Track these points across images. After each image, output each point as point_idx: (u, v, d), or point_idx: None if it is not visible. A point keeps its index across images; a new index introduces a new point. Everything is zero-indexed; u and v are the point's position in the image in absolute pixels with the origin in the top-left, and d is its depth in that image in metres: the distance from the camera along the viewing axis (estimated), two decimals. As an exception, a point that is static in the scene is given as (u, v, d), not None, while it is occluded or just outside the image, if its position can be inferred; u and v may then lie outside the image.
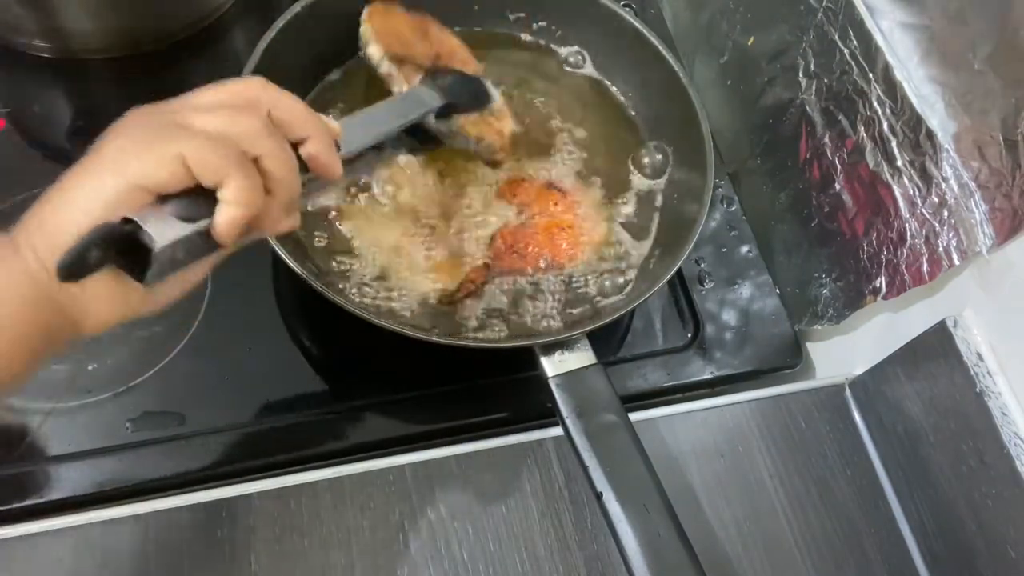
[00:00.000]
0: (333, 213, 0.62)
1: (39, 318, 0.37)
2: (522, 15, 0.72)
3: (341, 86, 0.67)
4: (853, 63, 0.60)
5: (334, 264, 0.60)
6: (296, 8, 0.63)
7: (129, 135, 0.37)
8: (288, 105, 0.40)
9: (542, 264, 0.63)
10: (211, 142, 0.36)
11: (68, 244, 0.34)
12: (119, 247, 0.35)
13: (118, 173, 0.35)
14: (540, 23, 0.73)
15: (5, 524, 0.52)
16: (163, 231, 0.35)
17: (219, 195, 0.36)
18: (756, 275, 0.71)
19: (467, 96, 0.60)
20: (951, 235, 0.54)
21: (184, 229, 0.36)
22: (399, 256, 0.61)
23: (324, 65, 0.67)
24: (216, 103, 0.38)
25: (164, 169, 0.35)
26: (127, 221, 0.34)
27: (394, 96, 0.57)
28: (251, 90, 0.40)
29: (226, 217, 0.36)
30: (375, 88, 0.67)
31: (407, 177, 0.63)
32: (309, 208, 0.60)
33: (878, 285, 0.60)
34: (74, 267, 0.33)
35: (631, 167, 0.69)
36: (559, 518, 0.57)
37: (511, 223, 0.64)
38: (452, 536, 0.55)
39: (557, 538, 0.56)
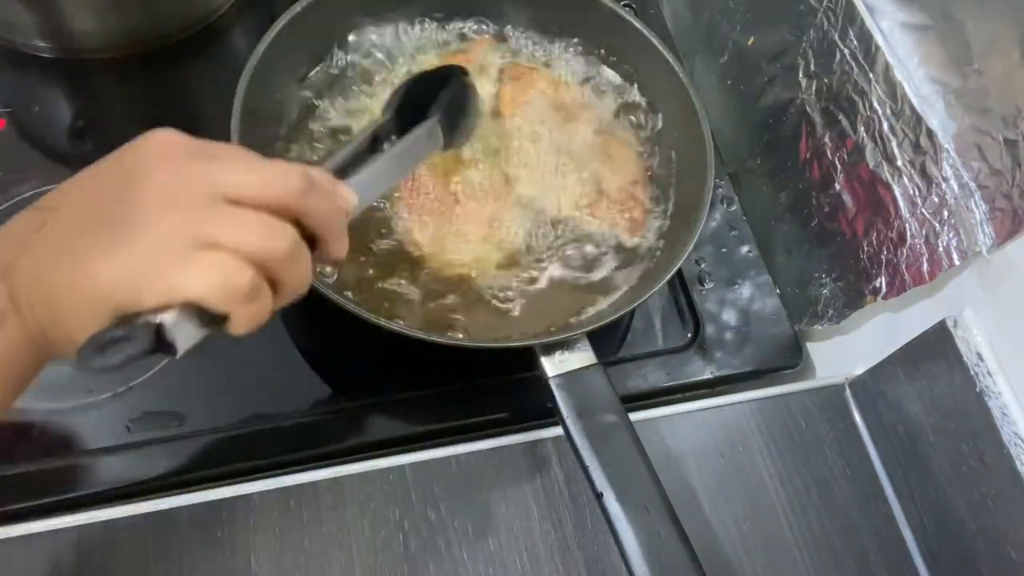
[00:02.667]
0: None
1: (30, 374, 0.38)
2: (524, 20, 0.72)
3: (340, 82, 0.67)
4: (853, 63, 0.60)
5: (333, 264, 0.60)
6: (296, 8, 0.63)
7: (153, 216, 0.35)
8: (320, 212, 0.39)
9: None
10: (236, 271, 0.35)
11: (81, 328, 0.34)
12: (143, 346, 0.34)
13: (140, 275, 0.34)
14: (539, 23, 0.73)
15: (5, 524, 0.52)
16: (185, 338, 0.35)
17: (230, 319, 0.36)
18: (756, 275, 0.71)
19: (462, 113, 0.59)
20: (951, 235, 0.54)
21: (202, 333, 0.36)
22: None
23: (325, 63, 0.67)
24: (252, 198, 0.36)
25: (182, 292, 0.34)
26: (156, 324, 0.34)
27: (400, 143, 0.53)
28: (290, 190, 0.37)
29: (239, 331, 0.37)
30: (379, 81, 0.67)
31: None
32: None
33: (878, 285, 0.60)
34: (95, 359, 0.33)
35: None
36: (559, 518, 0.57)
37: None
38: (452, 536, 0.55)
39: (557, 538, 0.56)
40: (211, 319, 0.36)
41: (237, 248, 0.35)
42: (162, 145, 0.37)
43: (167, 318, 0.34)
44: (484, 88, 0.67)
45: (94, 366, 0.33)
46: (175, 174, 0.36)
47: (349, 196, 0.42)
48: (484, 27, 0.72)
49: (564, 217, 0.64)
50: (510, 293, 0.61)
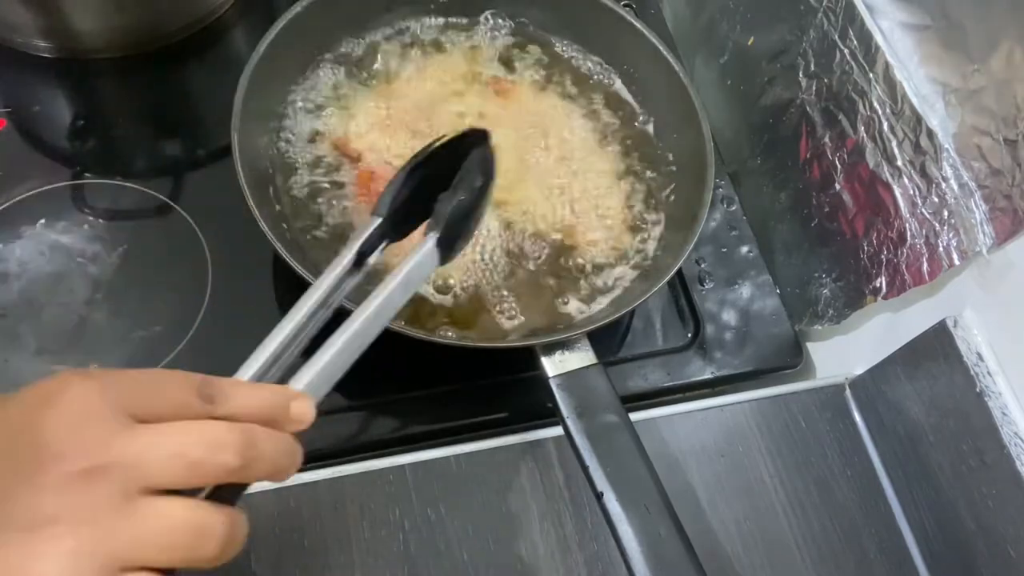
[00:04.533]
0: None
1: None
2: (523, 20, 0.72)
3: (343, 81, 0.68)
4: (853, 63, 0.60)
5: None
6: (296, 8, 0.63)
7: (55, 531, 0.28)
8: (265, 468, 0.33)
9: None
10: None
11: None
12: None
13: None
14: (539, 24, 0.73)
15: None
16: None
17: None
18: (756, 275, 0.71)
19: (474, 212, 0.46)
20: (951, 235, 0.54)
21: None
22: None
23: (325, 63, 0.68)
24: (178, 486, 0.30)
25: None
26: None
27: (381, 295, 0.41)
28: (227, 465, 0.31)
29: None
30: (378, 81, 0.67)
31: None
32: None
33: (878, 285, 0.60)
34: None
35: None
36: (559, 518, 0.57)
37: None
38: (452, 536, 0.55)
39: (557, 538, 0.56)
40: None
41: (156, 563, 0.29)
42: (75, 413, 0.30)
43: None
44: (471, 100, 0.68)
45: None
46: (86, 470, 0.29)
47: (304, 414, 0.35)
48: (484, 21, 0.72)
49: (541, 233, 0.64)
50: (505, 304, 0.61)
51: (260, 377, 0.36)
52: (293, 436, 0.35)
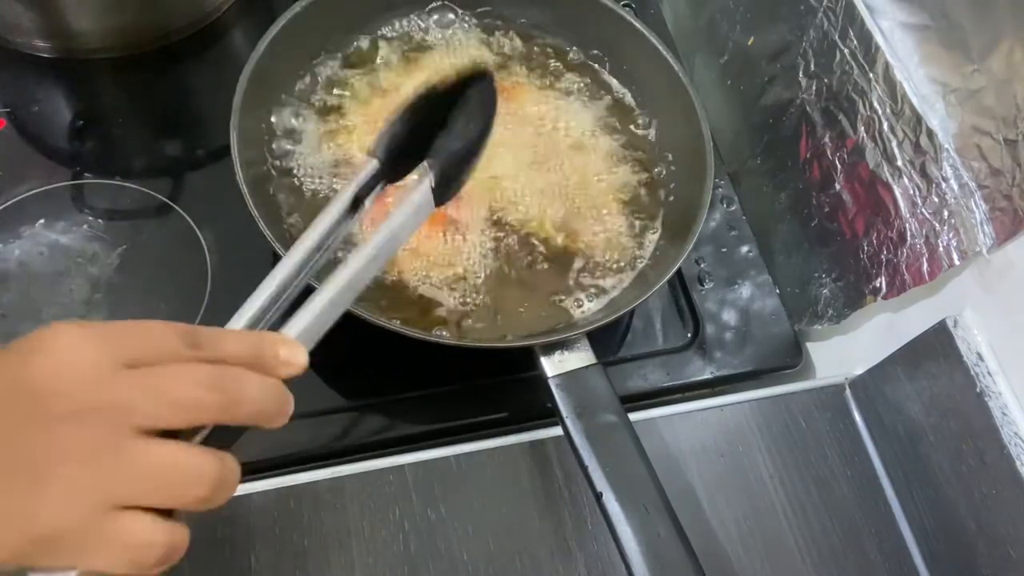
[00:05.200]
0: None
1: None
2: (523, 19, 0.72)
3: (339, 83, 0.67)
4: (853, 63, 0.60)
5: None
6: (296, 8, 0.63)
7: (55, 471, 0.30)
8: (251, 411, 0.34)
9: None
10: (148, 543, 0.31)
11: None
12: None
13: (38, 541, 0.30)
14: (539, 24, 0.73)
15: None
16: None
17: None
18: (756, 275, 0.71)
19: (471, 152, 0.44)
20: (951, 235, 0.54)
21: None
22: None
23: (324, 63, 0.68)
24: (169, 426, 0.32)
25: (84, 565, 0.31)
26: None
27: (370, 244, 0.39)
28: (210, 410, 0.32)
29: None
30: (377, 80, 0.67)
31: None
32: None
33: (878, 285, 0.60)
34: None
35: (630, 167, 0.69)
36: (559, 518, 0.57)
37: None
38: (452, 536, 0.55)
39: (557, 538, 0.56)
40: None
41: (149, 502, 0.31)
42: (67, 360, 0.31)
43: None
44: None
45: None
46: (79, 411, 0.31)
47: (294, 356, 0.36)
48: (484, 21, 0.72)
49: (540, 233, 0.64)
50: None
51: (255, 325, 0.37)
52: (283, 383, 0.35)
